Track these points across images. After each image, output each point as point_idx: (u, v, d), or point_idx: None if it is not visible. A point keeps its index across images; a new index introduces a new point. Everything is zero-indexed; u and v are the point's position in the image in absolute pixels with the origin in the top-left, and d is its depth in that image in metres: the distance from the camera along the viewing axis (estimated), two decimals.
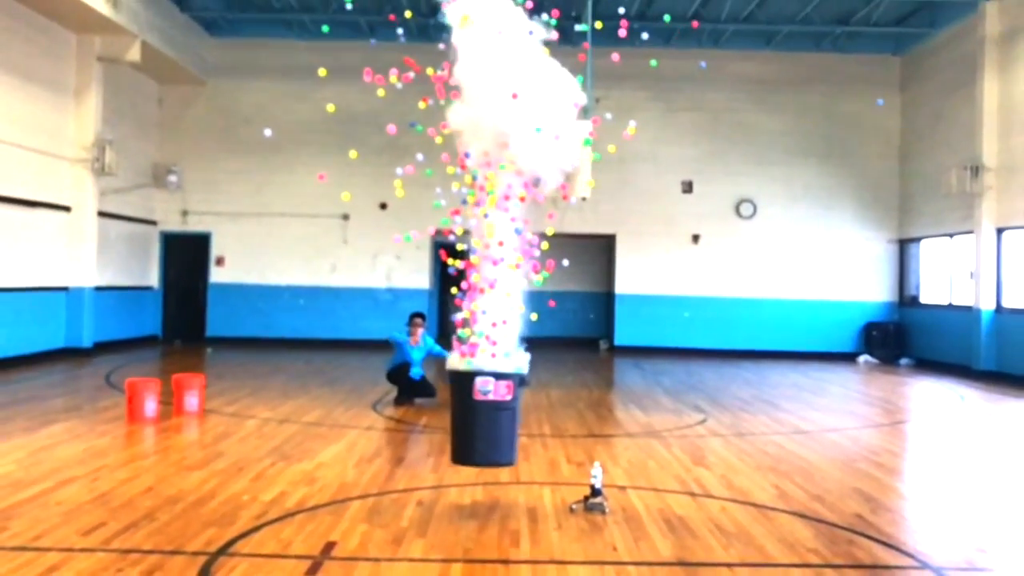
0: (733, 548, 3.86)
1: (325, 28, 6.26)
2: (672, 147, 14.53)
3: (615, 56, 4.92)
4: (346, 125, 13.76)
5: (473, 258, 4.37)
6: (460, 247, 4.55)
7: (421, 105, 4.46)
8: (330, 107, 5.57)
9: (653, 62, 5.75)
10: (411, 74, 4.37)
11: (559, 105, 4.40)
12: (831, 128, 14.57)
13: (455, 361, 4.23)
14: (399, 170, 4.40)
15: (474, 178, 4.40)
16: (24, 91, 10.47)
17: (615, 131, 12.58)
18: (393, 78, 4.41)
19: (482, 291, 4.26)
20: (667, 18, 6.16)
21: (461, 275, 4.42)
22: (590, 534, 4.03)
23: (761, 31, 13.92)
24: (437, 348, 7.89)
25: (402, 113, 5.11)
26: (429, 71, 4.39)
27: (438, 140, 4.49)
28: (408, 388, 7.82)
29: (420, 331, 7.87)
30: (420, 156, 4.60)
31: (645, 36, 5.94)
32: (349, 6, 10.96)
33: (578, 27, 5.84)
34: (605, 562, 3.64)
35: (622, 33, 4.78)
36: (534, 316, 4.39)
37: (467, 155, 4.36)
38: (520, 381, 4.26)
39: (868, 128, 14.60)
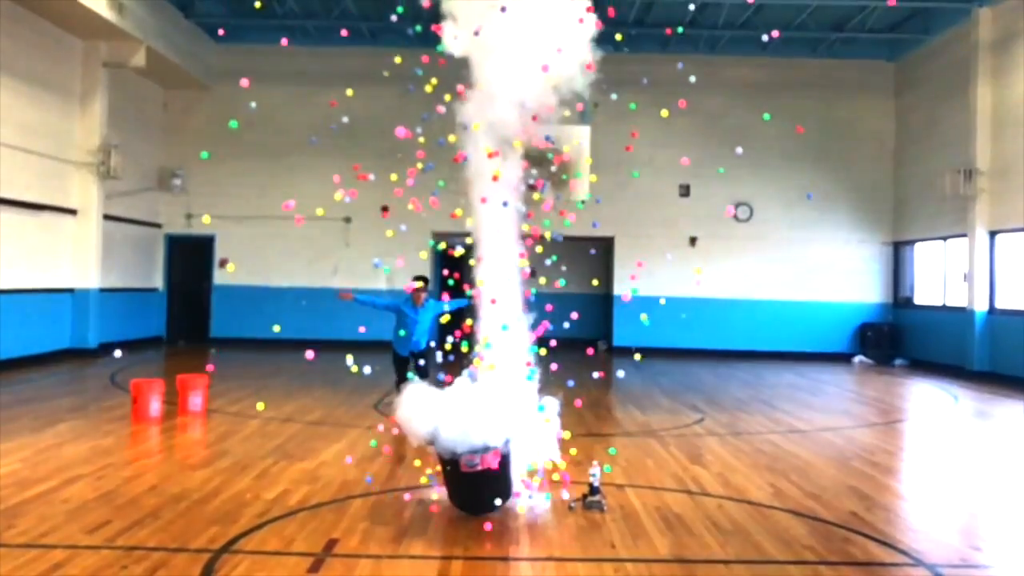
0: (730, 545, 3.92)
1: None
2: (669, 151, 14.61)
3: (672, 29, 5.03)
4: (348, 129, 13.83)
5: (477, 358, 4.40)
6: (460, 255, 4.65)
7: (383, 215, 4.70)
8: (342, 115, 5.66)
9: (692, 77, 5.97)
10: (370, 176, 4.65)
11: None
12: (826, 132, 14.67)
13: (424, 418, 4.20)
14: (341, 291, 4.72)
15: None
16: (31, 96, 10.56)
17: (615, 134, 12.62)
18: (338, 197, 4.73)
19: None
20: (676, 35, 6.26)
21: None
22: (589, 532, 4.09)
23: (757, 37, 14.03)
24: (453, 304, 6.77)
25: (402, 120, 5.19)
26: (392, 176, 4.59)
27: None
28: (406, 375, 7.34)
29: (423, 296, 7.11)
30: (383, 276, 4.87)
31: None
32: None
33: None
34: (603, 559, 3.69)
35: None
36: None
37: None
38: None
39: (863, 132, 14.72)
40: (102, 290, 12.06)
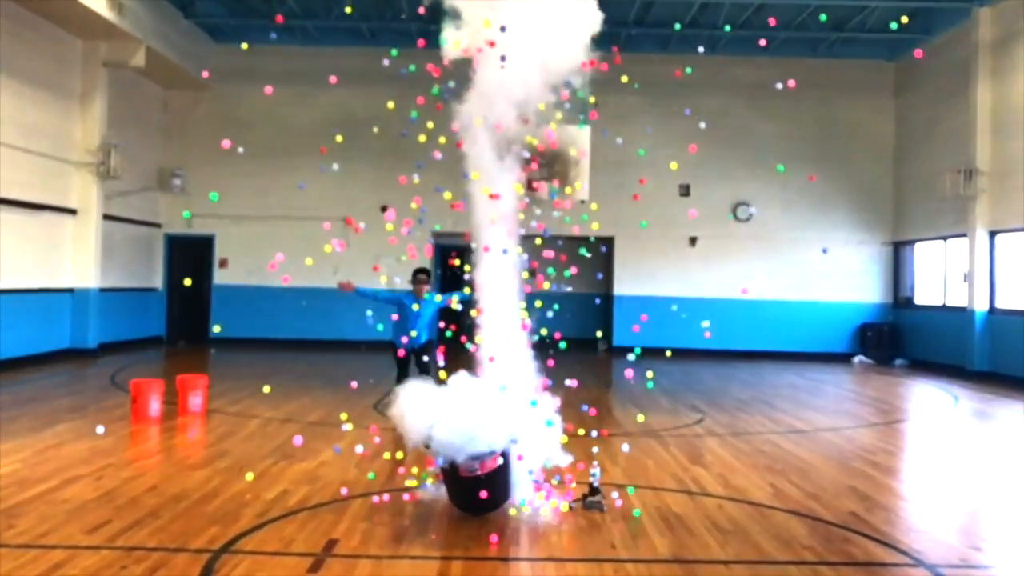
0: (730, 546, 3.92)
1: None
2: (669, 151, 14.61)
3: (682, 71, 5.13)
4: (347, 129, 13.82)
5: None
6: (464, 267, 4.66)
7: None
8: (390, 104, 5.59)
9: (688, 69, 6.08)
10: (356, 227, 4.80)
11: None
12: (826, 132, 14.69)
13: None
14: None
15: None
16: (31, 96, 10.56)
17: (615, 134, 12.54)
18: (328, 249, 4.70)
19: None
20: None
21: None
22: (589, 532, 4.09)
23: (757, 36, 14.04)
24: (454, 296, 6.57)
25: (402, 119, 5.21)
26: (388, 226, 4.72)
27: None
28: (407, 372, 6.92)
29: (426, 288, 6.86)
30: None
31: (701, 50, 6.20)
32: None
33: None
34: (603, 559, 3.69)
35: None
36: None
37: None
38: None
39: (863, 132, 14.74)
40: (102, 290, 12.07)
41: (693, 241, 14.76)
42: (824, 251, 14.26)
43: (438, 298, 6.75)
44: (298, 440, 4.74)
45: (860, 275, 14.69)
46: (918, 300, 14.09)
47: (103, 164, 11.67)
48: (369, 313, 5.43)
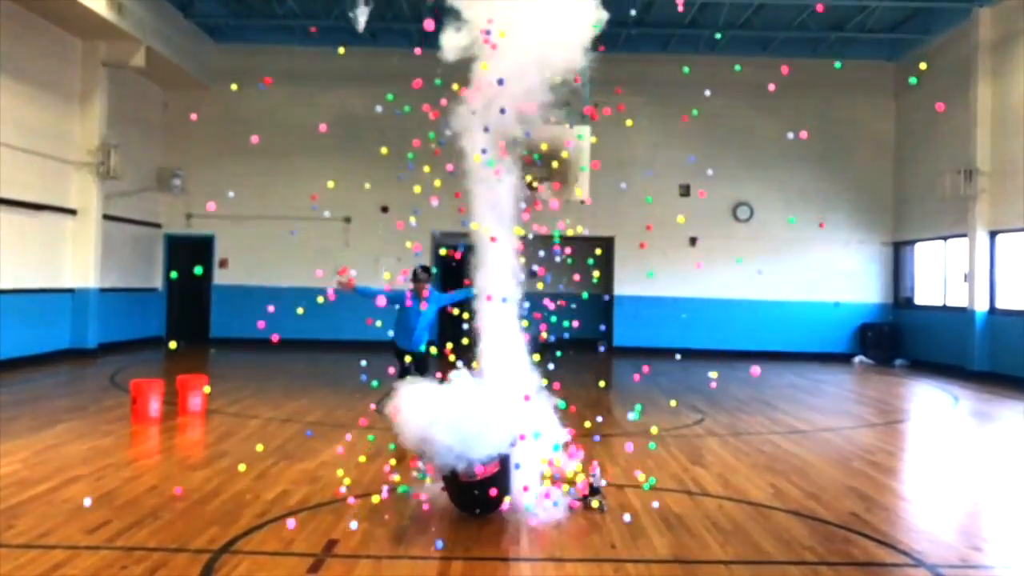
0: (730, 546, 3.92)
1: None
2: (669, 151, 14.63)
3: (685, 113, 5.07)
4: (348, 129, 13.86)
5: None
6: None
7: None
8: (383, 149, 5.59)
9: (686, 68, 6.08)
10: None
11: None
12: (827, 132, 14.69)
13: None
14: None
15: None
16: (31, 96, 10.57)
17: (615, 134, 12.53)
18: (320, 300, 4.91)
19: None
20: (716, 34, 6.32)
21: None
22: (589, 532, 4.09)
23: (757, 37, 14.04)
24: (454, 297, 6.28)
25: (402, 118, 5.21)
26: (386, 275, 4.70)
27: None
28: (408, 370, 6.55)
29: (427, 287, 6.47)
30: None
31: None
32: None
33: None
34: (603, 559, 3.70)
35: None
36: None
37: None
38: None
39: (863, 133, 14.76)
40: (102, 290, 12.07)
41: (693, 241, 14.77)
42: (836, 304, 14.33)
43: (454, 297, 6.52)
44: (292, 524, 4.28)
45: (860, 275, 14.70)
46: (918, 300, 14.10)
47: (103, 164, 11.67)
48: (364, 363, 5.43)
